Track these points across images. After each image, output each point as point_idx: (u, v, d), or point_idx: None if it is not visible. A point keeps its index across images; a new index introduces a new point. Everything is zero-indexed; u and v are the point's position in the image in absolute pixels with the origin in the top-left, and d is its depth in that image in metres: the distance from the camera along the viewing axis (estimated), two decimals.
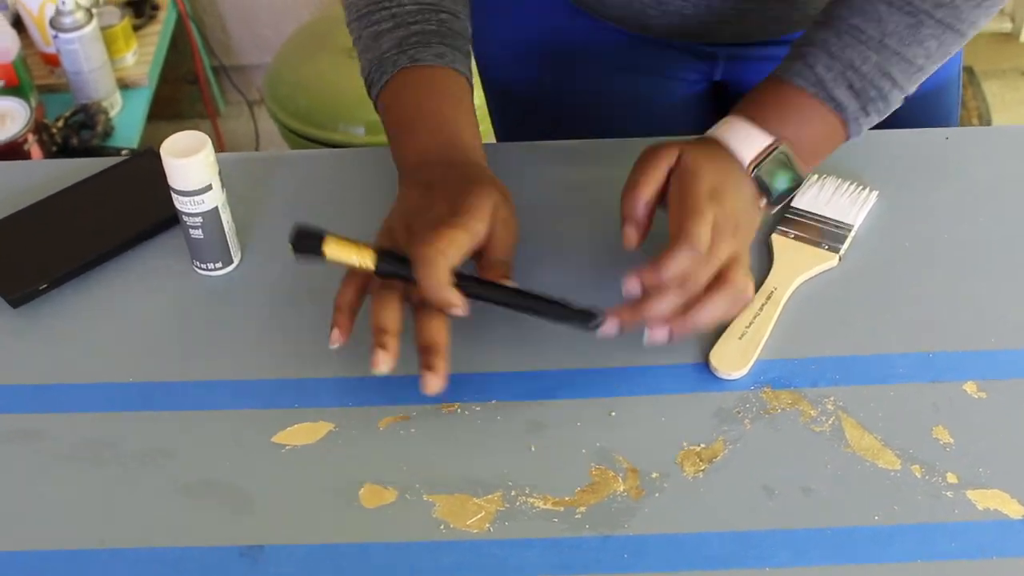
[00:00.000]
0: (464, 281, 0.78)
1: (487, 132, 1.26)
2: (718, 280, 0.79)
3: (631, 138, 1.01)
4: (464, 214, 0.79)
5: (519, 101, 1.14)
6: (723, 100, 1.18)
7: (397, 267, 0.79)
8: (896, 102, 0.87)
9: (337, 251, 0.79)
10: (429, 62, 0.89)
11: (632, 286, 0.79)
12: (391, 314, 0.79)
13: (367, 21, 0.91)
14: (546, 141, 1.02)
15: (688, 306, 0.78)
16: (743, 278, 0.80)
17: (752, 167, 0.85)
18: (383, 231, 0.83)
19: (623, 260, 0.90)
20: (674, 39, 1.05)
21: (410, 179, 0.86)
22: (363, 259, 0.79)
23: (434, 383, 0.77)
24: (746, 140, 0.85)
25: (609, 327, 0.79)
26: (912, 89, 0.87)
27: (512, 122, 1.20)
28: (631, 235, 0.83)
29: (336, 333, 0.79)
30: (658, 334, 0.79)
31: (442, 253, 0.76)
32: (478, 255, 0.81)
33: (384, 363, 0.77)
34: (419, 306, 0.80)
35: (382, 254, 0.79)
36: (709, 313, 0.79)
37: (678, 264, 0.77)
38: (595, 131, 1.04)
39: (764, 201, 0.86)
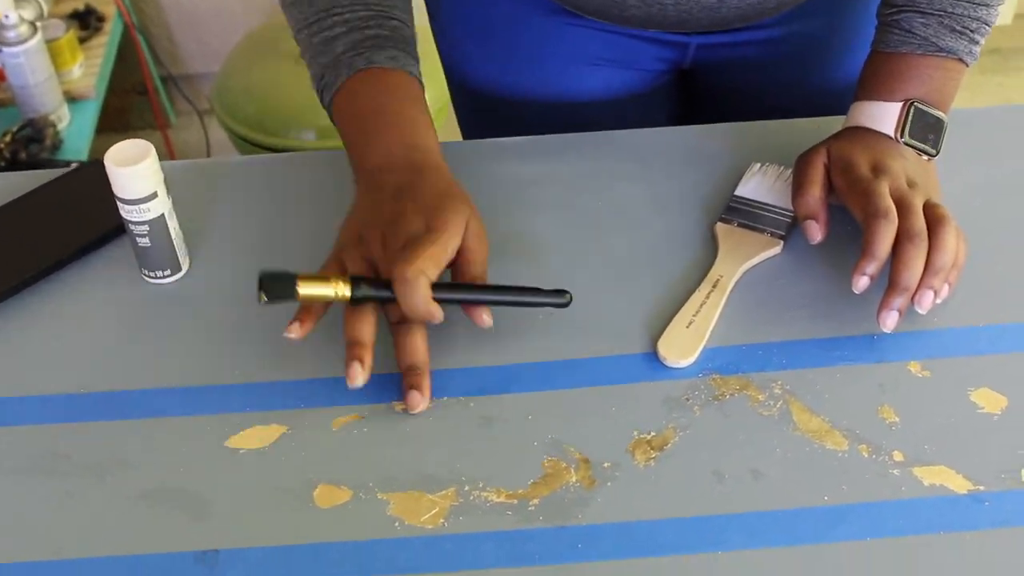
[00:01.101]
0: (439, 290, 0.80)
1: (452, 129, 1.26)
2: (931, 224, 0.83)
3: (602, 131, 1.02)
4: (440, 231, 0.80)
5: (487, 98, 1.14)
6: (691, 89, 1.19)
7: (373, 291, 0.80)
8: (996, 16, 0.92)
9: (311, 289, 0.79)
10: (385, 64, 0.90)
11: (862, 283, 0.82)
12: (366, 327, 0.80)
13: (318, 27, 0.91)
14: (514, 137, 1.02)
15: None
16: (945, 211, 0.84)
17: (898, 136, 0.89)
18: (350, 237, 0.84)
19: (595, 255, 0.91)
20: (650, 29, 1.06)
21: (372, 181, 0.86)
22: (338, 290, 0.79)
23: (421, 403, 0.80)
24: (881, 116, 0.90)
25: (889, 319, 0.81)
26: None
27: (479, 119, 1.20)
28: (814, 229, 0.87)
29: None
30: (926, 300, 0.82)
31: (423, 272, 0.78)
32: (452, 267, 0.83)
33: (360, 377, 0.79)
34: (397, 323, 0.82)
35: (356, 281, 0.80)
36: (946, 252, 0.82)
37: (881, 237, 0.82)
38: (564, 126, 1.04)
39: (926, 158, 0.91)
